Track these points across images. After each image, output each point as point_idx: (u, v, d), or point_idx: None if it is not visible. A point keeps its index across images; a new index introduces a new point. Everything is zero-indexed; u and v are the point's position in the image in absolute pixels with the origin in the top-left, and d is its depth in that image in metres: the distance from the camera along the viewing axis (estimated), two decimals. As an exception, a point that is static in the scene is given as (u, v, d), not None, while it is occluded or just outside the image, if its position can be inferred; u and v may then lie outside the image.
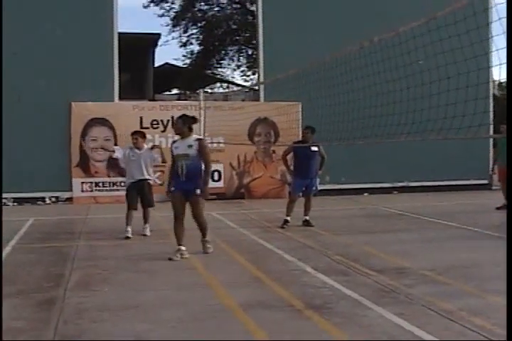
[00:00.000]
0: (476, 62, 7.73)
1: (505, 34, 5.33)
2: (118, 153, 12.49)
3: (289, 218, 13.34)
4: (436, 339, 5.70)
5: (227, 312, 6.75)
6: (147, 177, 12.34)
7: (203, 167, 9.98)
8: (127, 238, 11.75)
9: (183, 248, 9.87)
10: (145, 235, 12.20)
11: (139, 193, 12.21)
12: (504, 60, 6.57)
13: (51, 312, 6.75)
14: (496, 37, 6.77)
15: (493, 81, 20.34)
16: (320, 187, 20.19)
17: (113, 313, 6.73)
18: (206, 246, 10.32)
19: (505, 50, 6.57)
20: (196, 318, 6.51)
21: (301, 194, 13.83)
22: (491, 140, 20.67)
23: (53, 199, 18.64)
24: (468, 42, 7.68)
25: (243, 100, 25.99)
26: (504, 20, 6.38)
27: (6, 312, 6.51)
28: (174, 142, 10.30)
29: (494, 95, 22.32)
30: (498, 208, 15.90)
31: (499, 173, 16.53)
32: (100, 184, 18.73)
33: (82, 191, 18.62)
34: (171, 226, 10.14)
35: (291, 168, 13.93)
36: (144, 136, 12.65)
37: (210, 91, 38.13)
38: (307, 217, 13.45)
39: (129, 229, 11.95)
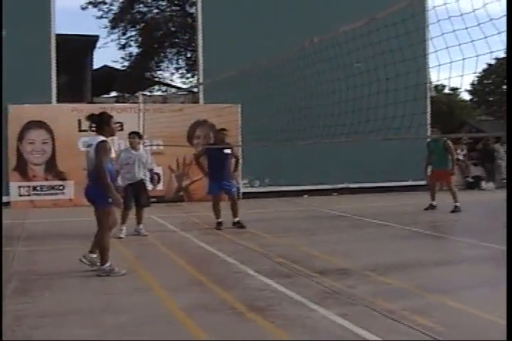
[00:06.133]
0: (416, 63, 7.81)
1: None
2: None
3: (220, 220, 13.32)
4: (379, 339, 5.71)
5: (170, 316, 6.67)
6: (143, 177, 12.45)
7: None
8: (120, 238, 11.77)
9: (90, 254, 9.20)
10: (145, 235, 12.25)
11: (135, 194, 12.15)
12: (442, 61, 6.67)
13: (-12, 320, 6.56)
14: (434, 39, 6.85)
15: (430, 82, 20.56)
16: (259, 190, 20.35)
17: (54, 319, 6.59)
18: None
19: (441, 52, 6.67)
20: (139, 323, 6.42)
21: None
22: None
23: (-11, 203, 18.27)
24: (407, 44, 7.76)
25: (182, 103, 25.93)
26: (442, 22, 6.46)
27: None
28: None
29: (431, 97, 22.63)
30: (426, 209, 16.24)
31: (432, 176, 16.75)
32: (38, 188, 18.42)
33: (20, 195, 18.29)
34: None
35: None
36: (140, 136, 12.78)
37: (148, 93, 37.94)
38: (237, 219, 13.37)
39: (124, 228, 12.04)
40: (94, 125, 9.12)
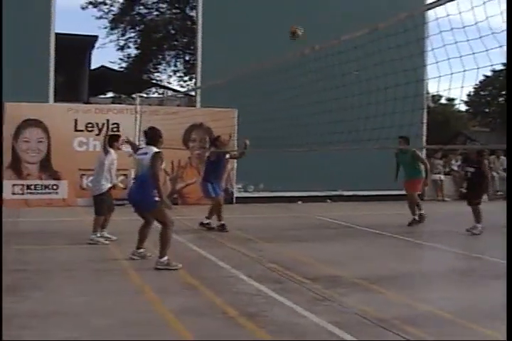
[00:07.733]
0: (415, 73, 7.83)
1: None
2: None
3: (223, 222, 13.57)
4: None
5: (160, 318, 6.66)
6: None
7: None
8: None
9: (139, 250, 10.22)
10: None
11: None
12: (442, 72, 6.71)
13: (-22, 317, 6.53)
14: (435, 50, 6.88)
15: (428, 93, 20.57)
16: (253, 195, 20.38)
17: (42, 320, 6.57)
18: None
19: (442, 64, 6.70)
20: (128, 325, 6.42)
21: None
22: (424, 150, 20.80)
23: (-18, 201, 18.19)
24: (408, 54, 7.78)
25: (178, 105, 25.94)
26: (444, 34, 6.49)
27: None
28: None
29: (428, 107, 22.66)
30: (409, 224, 15.11)
31: (405, 187, 15.97)
32: (32, 187, 18.36)
33: (13, 194, 18.21)
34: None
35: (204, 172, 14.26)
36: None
37: (145, 95, 37.94)
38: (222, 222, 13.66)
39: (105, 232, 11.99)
40: (147, 138, 10.01)
